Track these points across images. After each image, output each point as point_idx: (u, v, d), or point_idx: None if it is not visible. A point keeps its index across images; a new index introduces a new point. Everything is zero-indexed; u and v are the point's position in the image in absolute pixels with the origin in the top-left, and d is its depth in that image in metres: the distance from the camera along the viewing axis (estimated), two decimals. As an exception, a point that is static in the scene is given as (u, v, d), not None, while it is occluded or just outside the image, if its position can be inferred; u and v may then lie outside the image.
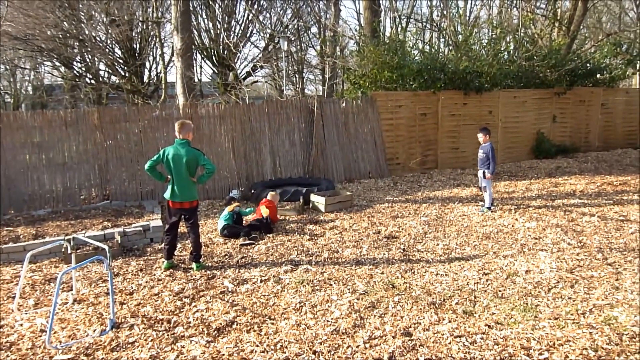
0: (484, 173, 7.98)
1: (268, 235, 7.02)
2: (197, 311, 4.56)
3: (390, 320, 4.26)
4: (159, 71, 20.84)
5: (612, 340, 3.81)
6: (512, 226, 7.23)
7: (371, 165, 11.22)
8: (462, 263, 5.75)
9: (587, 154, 13.87)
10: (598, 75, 14.74)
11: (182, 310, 4.59)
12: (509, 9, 22.92)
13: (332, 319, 4.31)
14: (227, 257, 6.19)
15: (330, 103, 11.15)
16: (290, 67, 29.04)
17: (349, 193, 9.00)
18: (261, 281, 5.29)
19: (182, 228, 6.42)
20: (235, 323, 4.28)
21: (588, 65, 14.45)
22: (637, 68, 16.89)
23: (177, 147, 5.59)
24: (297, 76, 30.94)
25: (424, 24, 28.36)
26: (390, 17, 28.07)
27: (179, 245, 6.48)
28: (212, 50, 21.91)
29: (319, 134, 10.55)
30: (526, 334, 3.95)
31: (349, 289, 4.99)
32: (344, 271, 5.55)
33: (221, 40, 20.34)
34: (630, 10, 30.60)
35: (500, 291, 4.88)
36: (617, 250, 6.01)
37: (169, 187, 5.62)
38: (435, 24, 26.59)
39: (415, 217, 7.94)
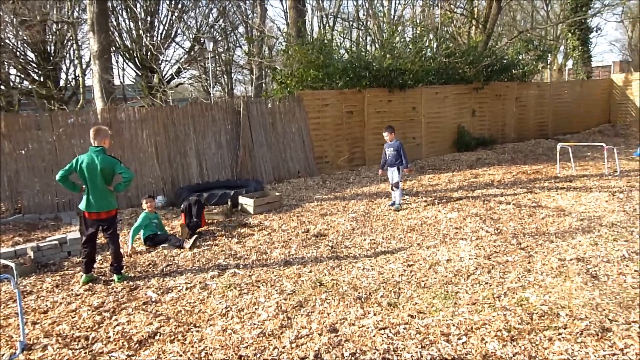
0: (398, 169, 8.04)
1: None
2: (117, 325, 4.37)
3: (317, 318, 4.28)
4: (77, 74, 19.84)
5: (524, 320, 4.04)
6: (435, 217, 7.50)
7: (300, 165, 11.25)
8: (388, 256, 5.89)
9: (505, 145, 14.63)
10: (512, 71, 15.60)
11: (101, 325, 4.39)
12: (431, 8, 23.79)
13: (258, 321, 4.28)
14: (151, 266, 5.99)
15: (256, 103, 11.07)
16: (218, 68, 28.57)
17: (278, 193, 8.98)
18: (187, 288, 5.16)
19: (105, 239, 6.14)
20: (159, 334, 4.14)
21: (503, 61, 15.25)
22: (547, 63, 18.00)
23: (91, 155, 5.33)
24: (225, 77, 30.50)
25: (351, 23, 28.82)
26: (317, 16, 28.34)
27: (99, 257, 6.19)
28: (135, 52, 21.12)
29: (246, 135, 10.44)
30: (446, 320, 4.11)
31: (276, 290, 4.97)
32: (272, 272, 5.52)
33: (143, 41, 19.63)
34: (541, 9, 32.68)
35: (423, 281, 5.03)
36: (529, 235, 6.38)
37: (84, 197, 5.35)
38: (361, 23, 27.11)
39: (344, 214, 8.04)
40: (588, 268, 5.12)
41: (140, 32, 20.19)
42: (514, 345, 3.66)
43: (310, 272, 5.47)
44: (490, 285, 4.83)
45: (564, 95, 17.29)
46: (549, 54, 21.14)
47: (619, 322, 3.94)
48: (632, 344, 3.60)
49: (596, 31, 21.13)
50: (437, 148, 13.72)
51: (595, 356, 3.48)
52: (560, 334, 3.79)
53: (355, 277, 5.24)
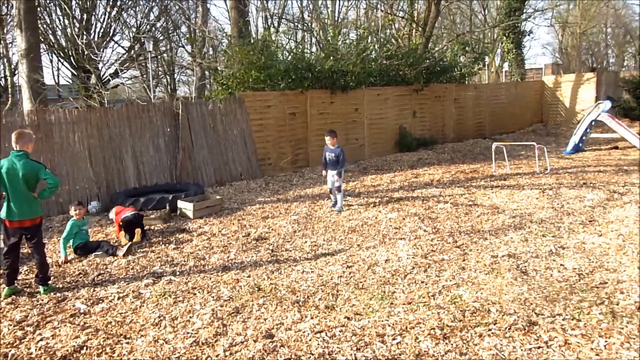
0: (339, 172, 8.02)
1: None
2: (41, 340, 4.12)
3: (253, 324, 4.21)
4: (5, 74, 18.78)
5: (456, 317, 4.13)
6: (376, 218, 7.58)
7: (243, 167, 11.10)
8: (328, 258, 5.89)
9: (445, 145, 15.04)
10: (451, 73, 16.06)
11: (23, 340, 4.13)
12: (374, 11, 24.16)
13: (193, 330, 4.16)
14: (81, 275, 5.71)
15: (197, 105, 10.82)
16: (160, 69, 27.78)
17: (218, 197, 8.81)
18: (119, 298, 4.95)
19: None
20: (85, 347, 3.94)
21: (442, 63, 15.68)
22: (482, 65, 18.65)
23: (12, 160, 5.01)
24: (168, 78, 29.70)
25: (296, 24, 28.80)
26: (262, 16, 28.12)
27: (25, 268, 5.85)
28: (69, 51, 20.19)
29: (185, 138, 10.19)
30: (382, 321, 4.14)
31: (213, 297, 4.85)
32: (210, 278, 5.40)
33: (80, 39, 18.80)
34: (479, 13, 33.92)
35: (361, 282, 5.06)
36: (465, 233, 6.56)
37: (5, 204, 5.03)
38: (306, 24, 27.14)
39: (286, 216, 7.99)
40: (518, 264, 5.31)
41: (75, 30, 19.33)
42: (446, 343, 3.73)
43: (249, 276, 5.39)
44: (426, 284, 4.91)
45: (500, 97, 17.98)
46: (486, 57, 21.96)
47: (545, 315, 4.10)
48: (556, 337, 3.75)
49: (528, 35, 22.13)
50: (379, 149, 13.91)
51: (521, 350, 3.60)
52: (490, 329, 3.90)
53: (294, 281, 5.20)
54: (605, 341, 3.66)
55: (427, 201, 8.38)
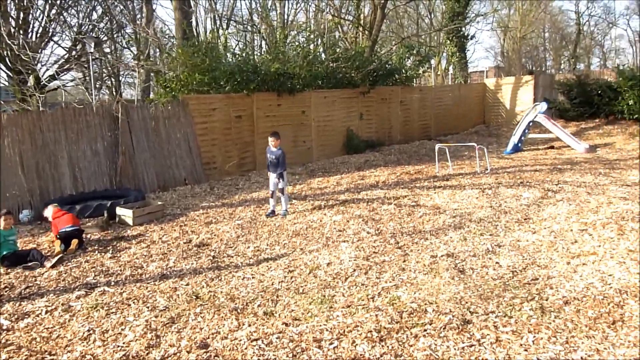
0: (281, 175, 7.98)
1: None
2: (-43, 361, 3.86)
3: (188, 334, 4.09)
4: None
5: (394, 319, 4.15)
6: (321, 221, 7.56)
7: (187, 171, 10.85)
8: (270, 263, 5.82)
9: (391, 147, 15.25)
10: (396, 75, 16.33)
11: (-64, 362, 3.85)
12: (323, 14, 24.25)
13: (124, 343, 3.99)
14: (7, 289, 5.39)
15: (138, 108, 10.50)
16: (105, 70, 26.82)
17: (160, 203, 8.57)
18: (47, 312, 4.69)
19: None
20: (6, 367, 3.71)
21: (387, 66, 15.92)
22: (427, 67, 19.06)
23: None
24: (113, 80, 28.74)
25: (245, 26, 28.52)
26: (210, 17, 27.67)
27: (-56, 283, 5.47)
28: (5, 51, 19.16)
29: (126, 142, 9.85)
30: (320, 326, 4.11)
31: (148, 307, 4.69)
32: (146, 288, 5.21)
33: (16, 39, 17.85)
34: (426, 17, 34.74)
35: (302, 287, 5.02)
36: (407, 234, 6.64)
37: None
38: (255, 27, 26.93)
39: (230, 221, 7.85)
40: (456, 263, 5.42)
41: (12, 29, 18.36)
42: (382, 346, 3.74)
43: (187, 285, 5.24)
44: (366, 287, 4.93)
45: (445, 99, 18.42)
46: (431, 60, 22.49)
47: (479, 313, 4.18)
48: (488, 334, 3.84)
49: (471, 39, 22.88)
50: (327, 151, 13.95)
51: (455, 349, 3.66)
52: (425, 330, 3.94)
53: (234, 287, 5.10)
54: (534, 336, 3.77)
55: (372, 203, 8.45)
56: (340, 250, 6.12)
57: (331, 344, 3.81)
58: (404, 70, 16.43)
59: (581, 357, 3.48)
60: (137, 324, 4.33)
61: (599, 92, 16.86)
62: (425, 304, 4.40)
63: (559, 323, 3.96)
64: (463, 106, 18.95)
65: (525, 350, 3.60)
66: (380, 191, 9.37)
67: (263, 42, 25.27)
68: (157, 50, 23.48)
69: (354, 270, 5.40)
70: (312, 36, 16.53)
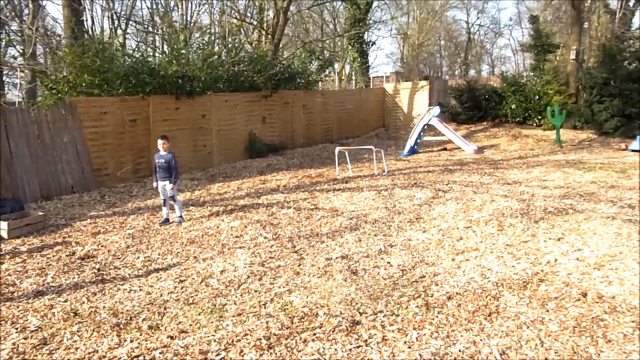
0: (174, 181, 7.67)
1: None
2: None
3: (61, 355, 3.77)
4: None
5: (285, 325, 4.11)
6: (218, 227, 7.37)
7: (74, 179, 10.10)
8: (160, 274, 5.55)
9: (294, 151, 15.31)
10: (299, 80, 16.44)
11: None
12: (226, 16, 23.83)
13: (-16, 372, 3.59)
14: None
15: (17, 112, 9.61)
16: (-17, 69, 24.37)
17: (41, 213, 7.89)
18: None
19: None
20: None
21: (290, 70, 15.98)
22: (330, 72, 19.44)
23: None
24: (-6, 80, 26.21)
25: (145, 26, 27.30)
26: (108, 16, 26.14)
27: None
28: None
29: (3, 148, 8.97)
30: (208, 337, 3.96)
31: (17, 329, 4.26)
32: (17, 307, 4.74)
33: None
34: (330, 23, 35.38)
35: (192, 297, 4.83)
36: (304, 237, 6.65)
37: None
38: (156, 27, 25.85)
39: (120, 231, 7.41)
40: (350, 265, 5.50)
41: None
42: (270, 353, 3.68)
43: (66, 301, 4.85)
44: (259, 293, 4.85)
45: (346, 103, 18.83)
46: (333, 64, 22.94)
47: (368, 314, 4.26)
48: (375, 334, 3.91)
49: (372, 45, 23.66)
50: (229, 155, 13.69)
51: (342, 351, 3.68)
52: (315, 334, 3.94)
53: (118, 302, 4.79)
54: (418, 333, 3.90)
55: (272, 207, 8.39)
56: (235, 256, 5.99)
57: (218, 355, 3.69)
58: (306, 75, 16.57)
59: (459, 350, 3.65)
60: (2, 348, 3.91)
61: (487, 96, 18.15)
62: (317, 308, 4.41)
63: (441, 318, 4.13)
64: (364, 110, 19.50)
65: (409, 347, 3.71)
66: (280, 195, 9.33)
67: (165, 44, 24.35)
68: (48, 49, 21.81)
69: (248, 276, 5.30)
70: (213, 38, 16.18)
